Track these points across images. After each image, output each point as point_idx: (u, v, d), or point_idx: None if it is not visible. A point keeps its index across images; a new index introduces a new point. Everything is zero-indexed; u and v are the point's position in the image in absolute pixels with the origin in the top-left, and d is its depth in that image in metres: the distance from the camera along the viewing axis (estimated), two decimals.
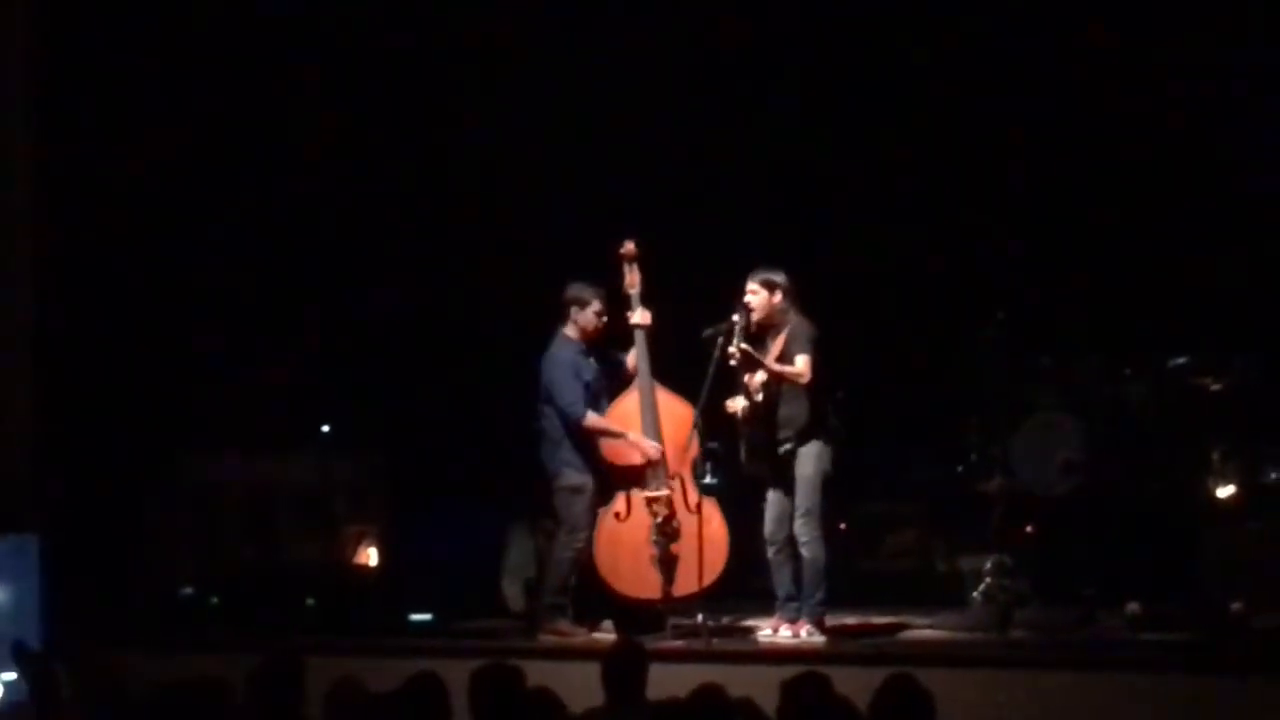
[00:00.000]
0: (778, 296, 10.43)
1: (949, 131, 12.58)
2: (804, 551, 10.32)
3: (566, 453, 10.69)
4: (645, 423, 10.70)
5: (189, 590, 11.57)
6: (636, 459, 10.68)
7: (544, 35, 12.72)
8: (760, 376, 10.36)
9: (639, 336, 10.76)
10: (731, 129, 12.74)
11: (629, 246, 10.84)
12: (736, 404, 10.48)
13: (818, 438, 10.35)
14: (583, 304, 10.77)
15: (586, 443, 10.69)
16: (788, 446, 10.37)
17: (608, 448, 10.72)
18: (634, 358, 10.82)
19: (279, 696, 6.91)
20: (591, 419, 10.65)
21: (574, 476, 10.69)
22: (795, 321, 10.40)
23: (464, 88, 12.88)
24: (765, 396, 10.39)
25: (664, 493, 10.63)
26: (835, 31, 12.69)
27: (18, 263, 12.15)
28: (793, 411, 10.37)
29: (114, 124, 12.41)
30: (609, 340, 10.90)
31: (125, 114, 12.44)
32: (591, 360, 10.81)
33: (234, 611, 11.29)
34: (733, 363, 10.25)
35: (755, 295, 10.41)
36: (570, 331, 10.79)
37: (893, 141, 12.67)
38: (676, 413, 10.67)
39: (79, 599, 11.11)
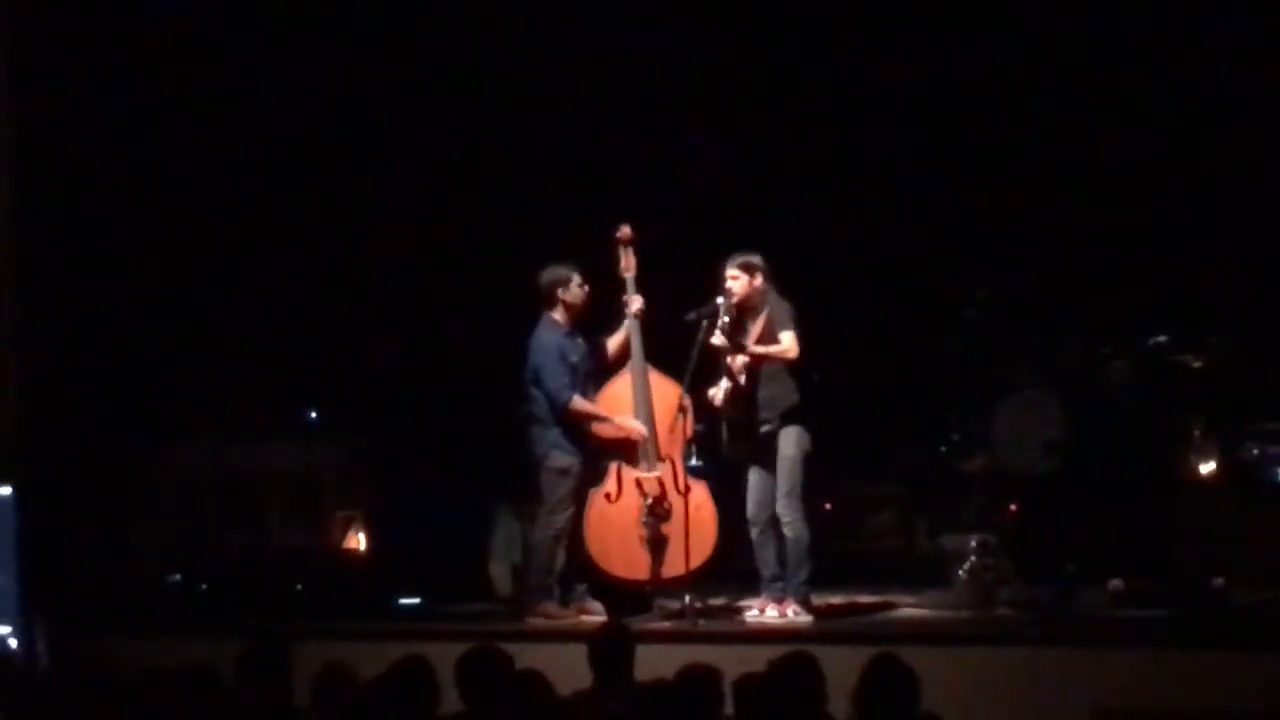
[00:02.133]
0: (758, 279, 10.47)
1: (930, 112, 12.60)
2: (787, 531, 10.37)
3: (555, 435, 10.72)
4: (638, 405, 10.74)
5: (177, 577, 11.57)
6: (627, 441, 10.72)
7: (536, 17, 12.71)
8: (741, 359, 10.42)
9: (633, 321, 10.79)
10: (713, 110, 12.75)
11: (624, 230, 10.86)
12: (718, 391, 10.53)
13: (799, 418, 10.40)
14: (566, 282, 10.79)
15: (575, 425, 10.74)
16: (769, 427, 10.42)
17: (598, 429, 10.76)
18: (620, 340, 10.86)
19: (267, 681, 6.95)
20: (578, 403, 10.69)
21: (562, 458, 10.73)
22: (774, 302, 10.44)
23: (454, 71, 12.86)
24: (747, 378, 10.45)
25: (655, 474, 10.68)
26: (815, 15, 12.71)
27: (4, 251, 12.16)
28: (773, 392, 10.42)
29: (90, 114, 12.40)
30: (596, 323, 10.92)
31: (102, 105, 12.43)
32: (579, 341, 10.84)
33: (222, 598, 11.30)
34: (715, 341, 10.29)
35: (736, 280, 10.45)
36: (556, 315, 10.82)
37: (873, 122, 12.69)
38: (667, 395, 10.69)
39: (67, 587, 11.14)
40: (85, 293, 12.38)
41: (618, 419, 10.72)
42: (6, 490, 11.11)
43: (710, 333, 10.29)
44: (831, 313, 11.51)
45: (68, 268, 12.28)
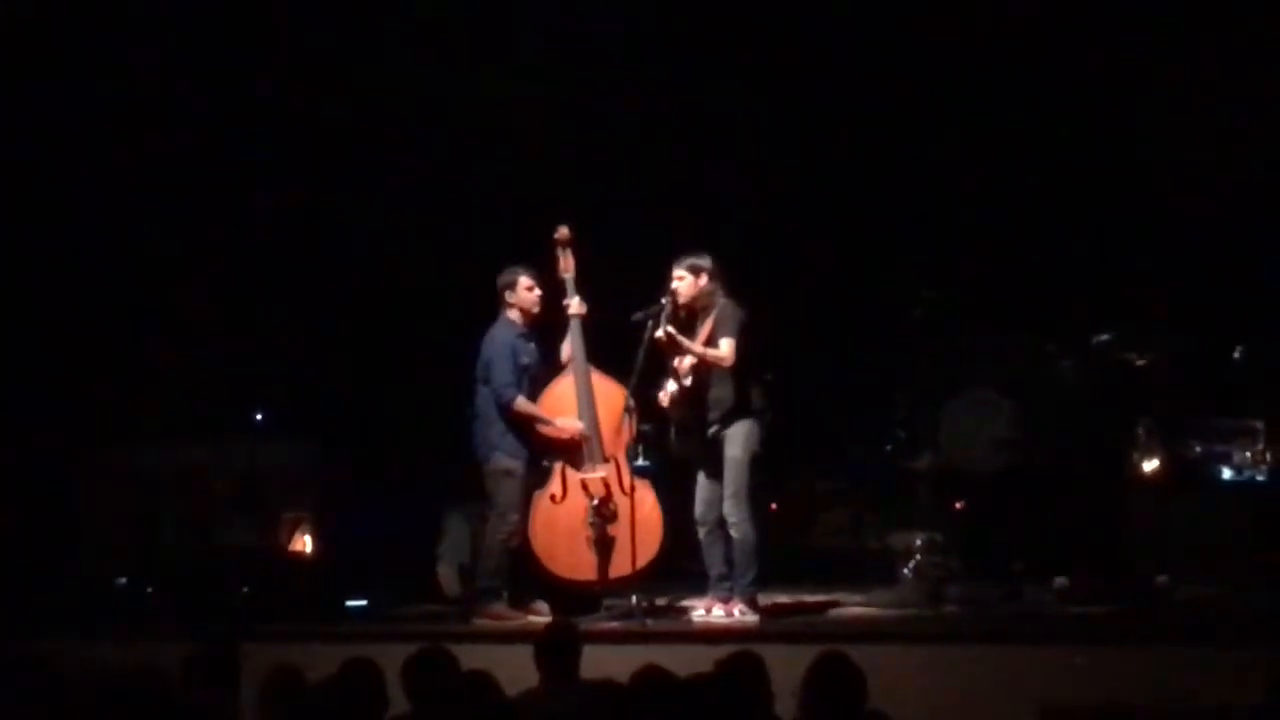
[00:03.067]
0: (704, 280, 10.48)
1: (878, 109, 12.64)
2: (734, 532, 10.38)
3: (499, 436, 10.72)
4: (581, 405, 10.75)
5: (123, 579, 11.54)
6: (571, 442, 10.73)
7: (477, 18, 12.70)
8: (688, 360, 10.43)
9: (574, 321, 10.81)
10: (659, 109, 12.77)
11: (563, 231, 10.87)
12: (666, 391, 10.55)
13: (745, 419, 10.41)
14: (513, 285, 10.81)
15: (520, 426, 10.74)
16: (716, 428, 10.44)
17: (541, 430, 10.77)
18: (569, 343, 10.87)
19: (214, 684, 6.93)
20: (521, 403, 10.69)
21: (505, 460, 10.73)
22: (723, 304, 10.46)
23: (405, 72, 12.84)
24: (694, 379, 10.46)
25: (599, 475, 10.69)
26: (763, 13, 12.73)
27: None
28: (720, 393, 10.43)
29: (37, 111, 12.38)
30: (544, 326, 10.93)
31: (46, 99, 12.40)
32: (532, 345, 10.85)
33: (169, 600, 11.27)
34: (657, 334, 10.30)
35: (681, 281, 10.46)
36: (512, 315, 10.83)
37: (821, 120, 12.72)
38: (611, 395, 10.71)
39: (11, 589, 11.09)
40: (33, 291, 12.34)
41: (559, 420, 10.73)
42: None
43: (654, 331, 10.30)
44: (781, 312, 11.53)
45: (13, 266, 12.24)
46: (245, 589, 11.21)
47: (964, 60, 12.48)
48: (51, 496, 11.97)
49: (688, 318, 10.49)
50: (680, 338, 10.35)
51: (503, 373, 10.69)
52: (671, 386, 10.52)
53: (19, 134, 12.32)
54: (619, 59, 12.68)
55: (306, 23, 12.86)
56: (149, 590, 11.45)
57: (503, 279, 10.84)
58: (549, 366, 10.90)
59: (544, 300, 10.85)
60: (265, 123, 12.88)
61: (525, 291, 10.81)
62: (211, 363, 12.74)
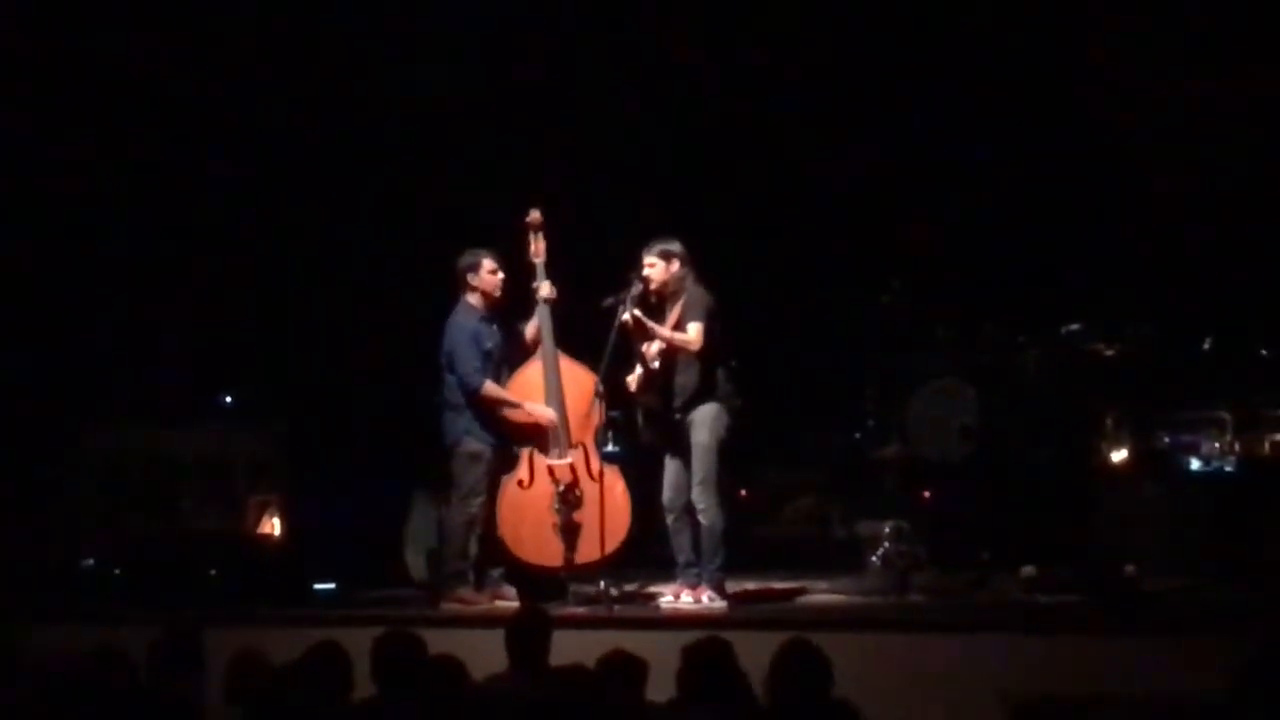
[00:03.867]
0: (675, 265, 10.48)
1: (844, 99, 12.65)
2: (701, 519, 10.38)
3: (467, 421, 10.70)
4: (549, 391, 10.73)
5: (90, 562, 11.50)
6: (538, 427, 10.72)
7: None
8: (656, 345, 10.43)
9: (542, 307, 10.79)
10: (629, 95, 12.77)
11: (534, 215, 10.84)
12: (635, 377, 10.55)
13: (711, 404, 10.41)
14: (475, 267, 10.78)
15: (488, 411, 10.72)
16: (682, 414, 10.43)
17: (510, 415, 10.75)
18: (535, 327, 10.85)
19: (179, 667, 6.93)
20: (489, 388, 10.67)
21: (474, 444, 10.71)
22: (692, 290, 10.46)
23: (371, 54, 12.82)
24: (661, 364, 10.46)
25: (566, 461, 10.67)
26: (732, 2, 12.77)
27: None
28: (687, 379, 10.43)
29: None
30: (511, 308, 10.92)
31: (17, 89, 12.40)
32: (494, 328, 10.83)
33: (136, 583, 11.23)
34: (624, 318, 10.29)
35: (653, 268, 10.47)
36: (472, 299, 10.80)
37: (788, 110, 12.73)
38: (580, 381, 10.69)
39: None
40: (3, 273, 12.31)
41: (528, 405, 10.71)
42: None
43: (622, 315, 10.29)
44: (749, 300, 11.54)
45: None
46: (213, 572, 11.18)
47: (934, 48, 12.49)
48: (20, 479, 11.93)
49: (657, 303, 10.50)
50: (648, 322, 10.35)
51: (467, 360, 10.66)
52: (638, 372, 10.52)
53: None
54: (589, 41, 12.65)
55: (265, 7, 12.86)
56: (116, 573, 11.41)
57: (464, 261, 10.80)
58: (512, 348, 10.87)
59: (506, 283, 10.82)
60: (227, 106, 12.84)
61: (488, 274, 10.78)
62: (180, 346, 12.69)
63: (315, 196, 12.89)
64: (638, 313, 10.34)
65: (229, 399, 12.63)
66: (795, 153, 12.66)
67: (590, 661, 6.74)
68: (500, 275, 10.78)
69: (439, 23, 12.65)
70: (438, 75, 12.65)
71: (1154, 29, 12.15)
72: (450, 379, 10.71)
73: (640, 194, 12.39)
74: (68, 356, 12.44)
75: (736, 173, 12.75)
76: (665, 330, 10.39)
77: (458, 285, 10.81)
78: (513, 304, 10.90)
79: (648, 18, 12.78)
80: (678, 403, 10.45)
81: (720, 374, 10.45)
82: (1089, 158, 12.33)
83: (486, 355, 10.73)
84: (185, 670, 6.94)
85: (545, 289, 10.77)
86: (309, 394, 12.60)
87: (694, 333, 10.35)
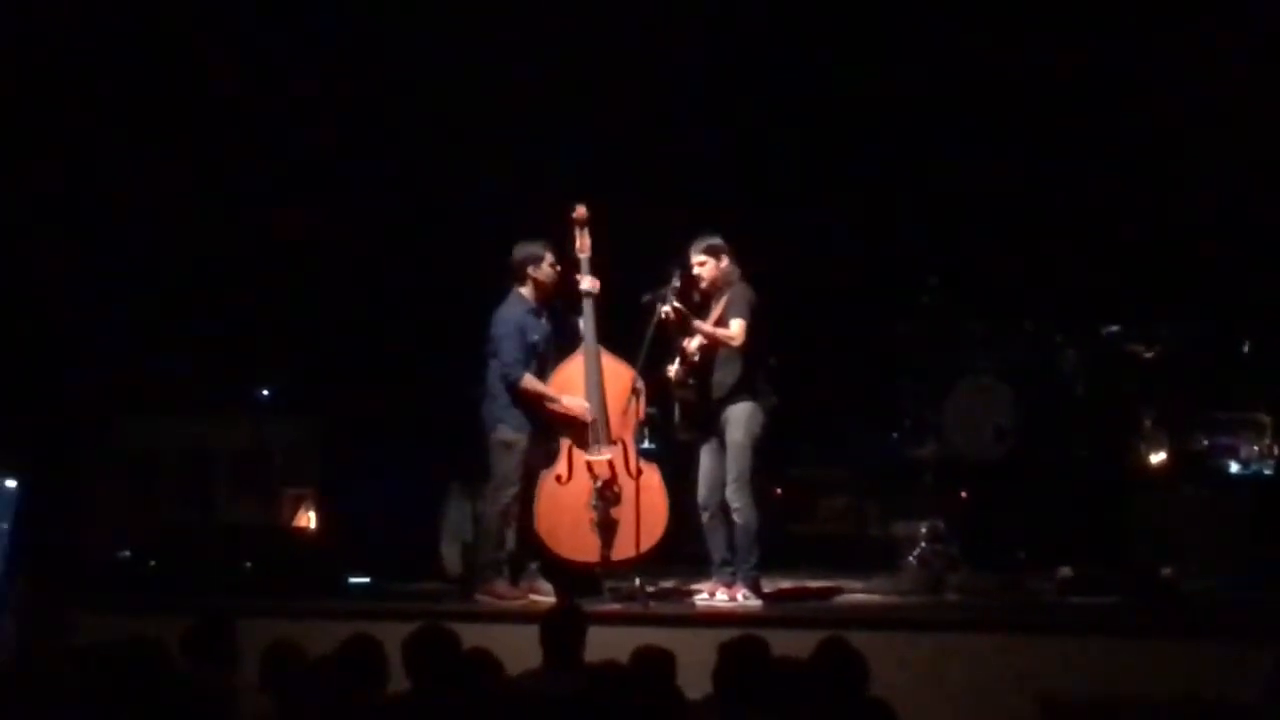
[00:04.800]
0: (724, 262, 10.47)
1: (886, 98, 12.61)
2: (736, 517, 10.36)
3: (505, 409, 10.67)
4: (589, 386, 10.69)
5: (126, 553, 11.52)
6: (578, 422, 10.70)
7: None
8: (696, 339, 10.41)
9: (587, 302, 10.77)
10: (675, 94, 12.74)
11: (580, 210, 10.81)
12: (672, 368, 10.52)
13: (748, 402, 10.39)
14: (538, 260, 10.74)
15: (527, 402, 10.71)
16: (719, 410, 10.42)
17: (548, 409, 10.74)
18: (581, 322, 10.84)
19: (212, 657, 6.94)
20: (527, 381, 10.64)
21: (508, 432, 10.69)
22: (737, 287, 10.44)
23: (417, 47, 12.81)
24: (700, 359, 10.44)
25: (605, 457, 10.64)
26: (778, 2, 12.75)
27: None
28: (725, 376, 10.40)
29: (52, 90, 12.41)
30: (559, 304, 10.90)
31: (60, 71, 12.45)
32: (543, 320, 10.81)
33: (171, 575, 11.25)
34: (665, 310, 10.27)
35: (703, 265, 10.45)
36: (525, 291, 10.77)
37: (829, 108, 12.70)
38: (620, 377, 10.65)
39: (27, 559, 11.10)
40: (40, 265, 12.34)
41: (565, 400, 10.68)
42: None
43: (662, 310, 10.26)
44: (786, 298, 11.50)
45: (23, 244, 12.26)
46: (248, 564, 11.19)
47: (972, 49, 12.44)
48: (59, 470, 11.96)
49: (701, 299, 10.47)
50: (690, 316, 10.32)
51: (510, 350, 10.65)
52: (677, 366, 10.48)
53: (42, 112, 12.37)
54: (637, 36, 12.63)
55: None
56: (151, 564, 11.43)
57: (525, 253, 10.76)
58: (565, 342, 10.86)
59: (560, 278, 10.82)
60: (267, 95, 12.86)
61: (549, 268, 10.75)
62: (218, 338, 12.71)
63: (352, 186, 12.89)
64: (679, 304, 10.32)
65: (266, 391, 12.63)
66: (833, 148, 12.62)
67: (624, 658, 6.73)
68: (558, 270, 10.77)
69: (489, 12, 12.62)
70: (482, 67, 12.62)
71: (1202, 28, 12.10)
72: (492, 364, 10.69)
73: (681, 189, 12.36)
74: (104, 347, 12.45)
75: (774, 168, 12.72)
76: (707, 325, 10.37)
77: (514, 276, 10.78)
78: (560, 298, 10.88)
79: (697, 7, 12.75)
80: (715, 398, 10.43)
81: (758, 371, 10.43)
82: (1131, 158, 12.27)
83: (532, 347, 10.70)
84: (219, 661, 6.95)
85: (588, 283, 10.74)
86: (345, 386, 12.60)
87: (736, 328, 10.33)
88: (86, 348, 12.42)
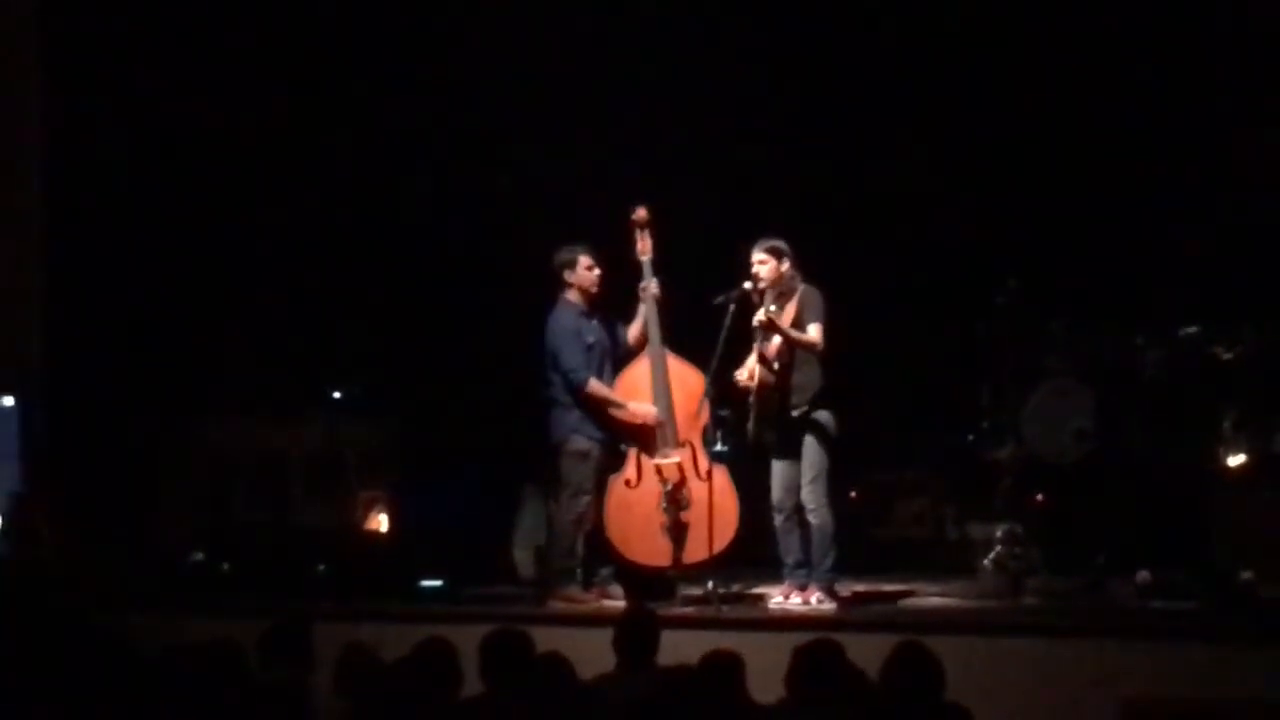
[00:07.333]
0: (785, 264, 10.42)
1: (962, 95, 12.54)
2: (811, 519, 10.32)
3: (575, 419, 10.66)
4: (656, 390, 10.68)
5: (200, 556, 11.56)
6: (645, 426, 10.67)
7: None
8: (776, 342, 10.35)
9: (650, 304, 10.73)
10: (738, 93, 12.70)
11: (640, 213, 10.79)
12: (744, 374, 10.46)
13: (827, 405, 10.35)
14: (572, 264, 10.75)
15: (596, 408, 10.68)
16: (798, 413, 10.36)
17: (614, 414, 10.70)
18: (639, 327, 10.80)
19: (288, 661, 6.94)
20: (593, 385, 10.62)
21: (581, 442, 10.68)
22: (804, 289, 10.39)
23: (476, 48, 12.84)
24: (779, 363, 10.39)
25: (674, 460, 10.61)
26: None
27: (33, 231, 12.25)
28: (805, 378, 10.36)
29: (126, 92, 12.49)
30: (614, 308, 10.87)
31: (136, 82, 12.52)
32: (595, 322, 10.79)
33: (245, 577, 11.28)
34: (760, 317, 10.22)
35: (764, 265, 10.40)
36: (571, 296, 10.77)
37: (903, 106, 12.64)
38: (687, 380, 10.64)
39: (92, 564, 11.15)
40: (114, 272, 12.42)
41: (631, 405, 10.65)
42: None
43: (754, 314, 10.21)
44: (863, 299, 11.46)
45: (99, 249, 12.34)
46: (321, 567, 11.22)
47: (1054, 46, 12.37)
48: (134, 472, 12.03)
49: (758, 300, 10.42)
50: (779, 322, 10.26)
51: (570, 356, 10.63)
52: (752, 367, 10.41)
53: (117, 114, 12.45)
54: (698, 38, 12.60)
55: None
56: (225, 567, 11.47)
57: (560, 258, 10.77)
58: (616, 347, 10.82)
59: (604, 279, 10.77)
60: (342, 101, 12.91)
61: (585, 271, 10.74)
62: (291, 340, 12.76)
63: (426, 190, 12.93)
64: (773, 308, 10.27)
65: (339, 394, 12.66)
66: (908, 147, 12.55)
67: (697, 662, 6.70)
68: (597, 271, 10.74)
69: (551, 18, 12.62)
70: (545, 72, 12.62)
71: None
72: (554, 377, 10.67)
73: (749, 190, 12.32)
74: (179, 350, 12.52)
75: (848, 167, 12.65)
76: (793, 331, 10.31)
77: (555, 282, 10.77)
78: (617, 302, 10.84)
79: (763, 10, 12.70)
80: (795, 401, 10.37)
81: (834, 373, 10.38)
82: (1213, 159, 12.16)
83: (588, 350, 10.69)
84: (295, 664, 6.96)
85: (652, 286, 10.71)
86: (420, 389, 12.62)
87: (815, 333, 10.29)
88: (162, 349, 12.49)
